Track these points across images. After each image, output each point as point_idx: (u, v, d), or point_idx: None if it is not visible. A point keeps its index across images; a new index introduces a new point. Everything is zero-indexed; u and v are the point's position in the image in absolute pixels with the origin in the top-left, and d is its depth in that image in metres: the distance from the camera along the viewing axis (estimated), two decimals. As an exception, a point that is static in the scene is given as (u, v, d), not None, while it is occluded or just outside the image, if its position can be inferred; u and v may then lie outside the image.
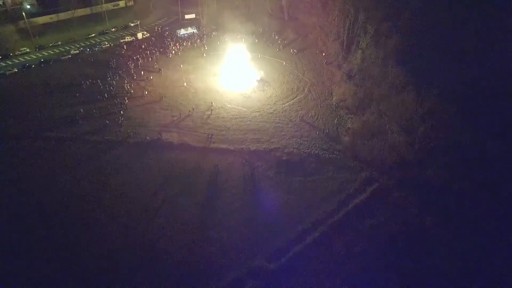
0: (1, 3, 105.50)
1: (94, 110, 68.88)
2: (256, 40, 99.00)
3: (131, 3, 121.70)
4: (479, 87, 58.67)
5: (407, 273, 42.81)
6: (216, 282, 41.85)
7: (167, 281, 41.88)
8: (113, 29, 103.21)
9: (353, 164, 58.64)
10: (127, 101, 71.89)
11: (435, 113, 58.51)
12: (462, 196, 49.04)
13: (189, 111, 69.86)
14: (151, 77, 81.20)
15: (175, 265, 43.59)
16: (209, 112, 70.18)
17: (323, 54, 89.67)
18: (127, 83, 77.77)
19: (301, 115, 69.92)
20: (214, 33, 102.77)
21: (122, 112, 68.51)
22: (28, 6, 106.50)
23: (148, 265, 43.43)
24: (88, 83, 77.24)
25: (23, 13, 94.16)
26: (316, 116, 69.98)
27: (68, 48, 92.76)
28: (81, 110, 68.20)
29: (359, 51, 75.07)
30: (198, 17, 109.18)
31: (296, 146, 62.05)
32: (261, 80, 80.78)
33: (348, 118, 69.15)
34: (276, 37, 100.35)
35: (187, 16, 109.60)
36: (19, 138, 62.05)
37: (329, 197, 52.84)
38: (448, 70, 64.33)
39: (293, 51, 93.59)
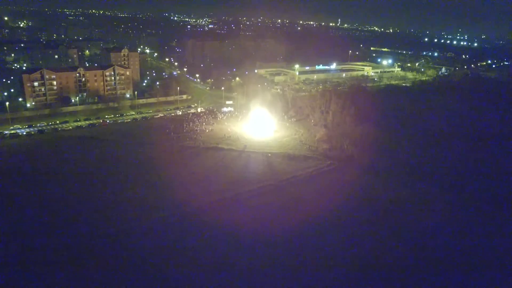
0: (113, 92, 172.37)
1: (178, 135, 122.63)
2: (271, 115, 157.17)
3: (189, 97, 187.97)
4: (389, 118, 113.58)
5: (348, 193, 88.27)
6: (248, 187, 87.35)
7: (217, 187, 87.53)
8: (182, 107, 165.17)
9: (324, 159, 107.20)
10: (197, 133, 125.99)
11: (369, 133, 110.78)
12: (377, 167, 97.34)
13: (230, 136, 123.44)
14: (210, 127, 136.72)
15: (224, 181, 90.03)
16: (243, 139, 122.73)
17: (312, 120, 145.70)
18: (196, 127, 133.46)
19: (297, 141, 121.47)
20: (245, 110, 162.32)
21: (195, 136, 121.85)
22: (128, 95, 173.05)
23: (213, 183, 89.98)
24: (172, 126, 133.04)
25: (136, 94, 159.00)
26: (305, 143, 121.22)
27: (157, 113, 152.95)
28: (172, 134, 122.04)
29: (330, 112, 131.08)
30: (234, 102, 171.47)
31: (292, 152, 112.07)
32: (275, 131, 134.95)
33: (323, 144, 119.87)
34: (283, 114, 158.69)
35: (227, 102, 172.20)
36: (143, 143, 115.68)
37: (308, 167, 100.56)
38: (373, 113, 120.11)
39: (293, 119, 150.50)
